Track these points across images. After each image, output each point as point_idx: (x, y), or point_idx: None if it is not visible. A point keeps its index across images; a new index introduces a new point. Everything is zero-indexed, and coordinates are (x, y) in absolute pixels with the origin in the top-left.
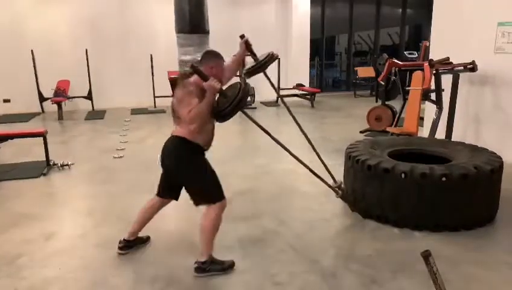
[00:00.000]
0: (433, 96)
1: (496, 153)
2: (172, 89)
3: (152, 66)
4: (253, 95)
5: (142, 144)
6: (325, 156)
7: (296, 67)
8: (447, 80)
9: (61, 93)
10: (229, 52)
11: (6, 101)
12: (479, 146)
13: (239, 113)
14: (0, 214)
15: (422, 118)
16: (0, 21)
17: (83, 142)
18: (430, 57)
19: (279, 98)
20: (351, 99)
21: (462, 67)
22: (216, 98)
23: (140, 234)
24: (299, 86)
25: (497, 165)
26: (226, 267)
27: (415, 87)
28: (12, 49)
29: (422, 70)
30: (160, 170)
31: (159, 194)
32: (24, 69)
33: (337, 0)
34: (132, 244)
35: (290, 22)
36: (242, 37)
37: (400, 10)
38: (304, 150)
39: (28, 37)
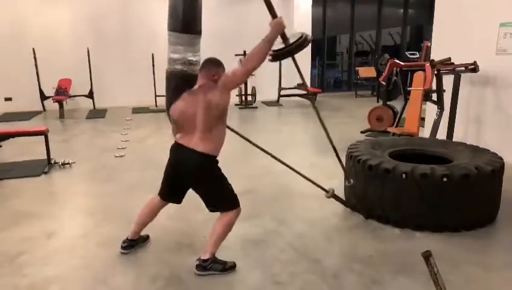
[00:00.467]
0: (434, 96)
1: (497, 154)
2: None
3: (153, 65)
4: (254, 95)
5: (143, 143)
6: (327, 156)
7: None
8: (448, 81)
9: (62, 91)
10: (230, 51)
11: (7, 99)
12: (480, 147)
13: (239, 114)
14: (1, 212)
15: (423, 119)
16: (2, 20)
17: (84, 141)
18: (431, 58)
19: (310, 99)
20: (352, 99)
21: (463, 68)
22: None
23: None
24: (300, 85)
25: (498, 165)
26: (228, 268)
27: (416, 87)
28: (14, 48)
29: (424, 70)
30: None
31: (162, 196)
32: (26, 67)
33: (339, 0)
34: (135, 243)
35: (291, 21)
36: (274, 16)
37: (402, 10)
38: (305, 150)
39: (29, 35)
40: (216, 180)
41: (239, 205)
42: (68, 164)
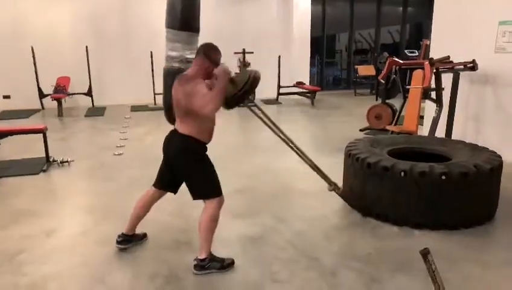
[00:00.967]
0: (433, 95)
1: (495, 152)
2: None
3: (152, 63)
4: (253, 93)
5: (142, 141)
6: (325, 154)
7: (297, 65)
8: (447, 79)
9: (61, 89)
10: (229, 49)
11: (6, 97)
12: (479, 145)
13: (237, 112)
14: (0, 210)
15: (422, 117)
16: (1, 18)
17: (83, 139)
18: (430, 56)
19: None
20: (351, 97)
21: (462, 66)
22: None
23: (138, 231)
24: (299, 84)
25: (496, 164)
26: (226, 266)
27: (415, 85)
28: (13, 46)
29: (423, 69)
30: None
31: (157, 185)
32: (24, 65)
33: None
34: (131, 239)
35: (290, 19)
36: (217, 64)
37: (401, 8)
38: (304, 148)
39: (29, 33)
40: (195, 162)
41: (221, 194)
42: (67, 162)
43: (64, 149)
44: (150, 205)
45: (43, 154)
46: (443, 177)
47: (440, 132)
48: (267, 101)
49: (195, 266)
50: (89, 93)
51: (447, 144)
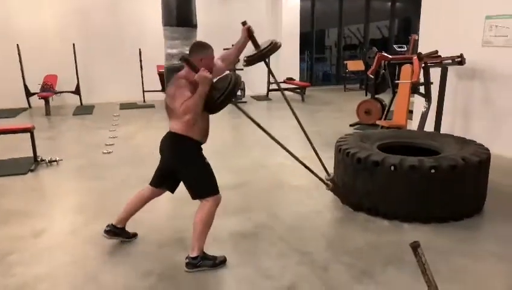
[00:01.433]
0: (422, 89)
1: (483, 145)
2: (161, 83)
3: (141, 60)
4: (243, 89)
5: (131, 139)
6: (317, 149)
7: (286, 61)
8: (435, 73)
9: (48, 88)
10: (219, 45)
11: None
12: (467, 138)
13: (228, 109)
14: None
15: (411, 111)
16: None
17: (71, 138)
18: (419, 51)
19: (281, 92)
20: (341, 93)
21: (450, 61)
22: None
23: (130, 230)
24: (289, 80)
25: (484, 157)
26: (218, 263)
27: (404, 80)
28: None
29: (411, 63)
30: (156, 162)
31: (154, 184)
32: (10, 63)
33: None
34: (119, 232)
35: (279, 15)
36: (244, 23)
37: (389, 4)
38: (295, 144)
39: (14, 31)
40: (192, 164)
41: (218, 193)
42: (55, 161)
43: (52, 148)
44: (145, 202)
45: (31, 154)
46: (432, 170)
47: (429, 126)
48: (258, 97)
49: (187, 264)
50: (77, 91)
51: (436, 138)
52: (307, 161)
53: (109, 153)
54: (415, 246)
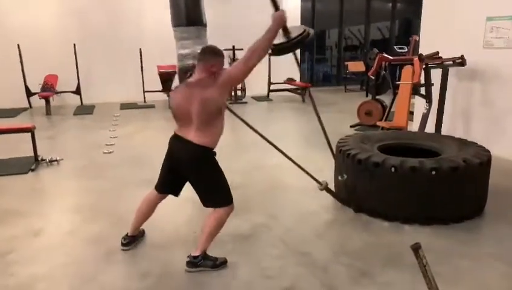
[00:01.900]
0: (422, 90)
1: (484, 147)
2: (162, 84)
3: (141, 61)
4: (244, 90)
5: (131, 139)
6: (317, 150)
7: (287, 61)
8: (436, 75)
9: (48, 88)
10: (219, 45)
11: None
12: (468, 140)
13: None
14: None
15: (412, 113)
16: None
17: (72, 138)
18: (419, 52)
19: (309, 93)
20: (341, 93)
21: (451, 62)
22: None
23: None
24: (289, 80)
25: (485, 158)
26: (219, 264)
27: (405, 81)
28: None
29: (412, 64)
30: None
31: (159, 190)
32: (11, 63)
33: None
34: (135, 239)
35: None
36: (277, 9)
37: (390, 5)
38: (295, 144)
39: (14, 31)
40: (211, 173)
41: (232, 202)
42: (56, 161)
43: (53, 148)
44: (153, 207)
45: (32, 154)
46: (433, 172)
47: (429, 128)
48: (258, 98)
49: (188, 263)
50: (78, 91)
51: (437, 139)
52: (304, 160)
53: (110, 153)
54: (416, 248)
